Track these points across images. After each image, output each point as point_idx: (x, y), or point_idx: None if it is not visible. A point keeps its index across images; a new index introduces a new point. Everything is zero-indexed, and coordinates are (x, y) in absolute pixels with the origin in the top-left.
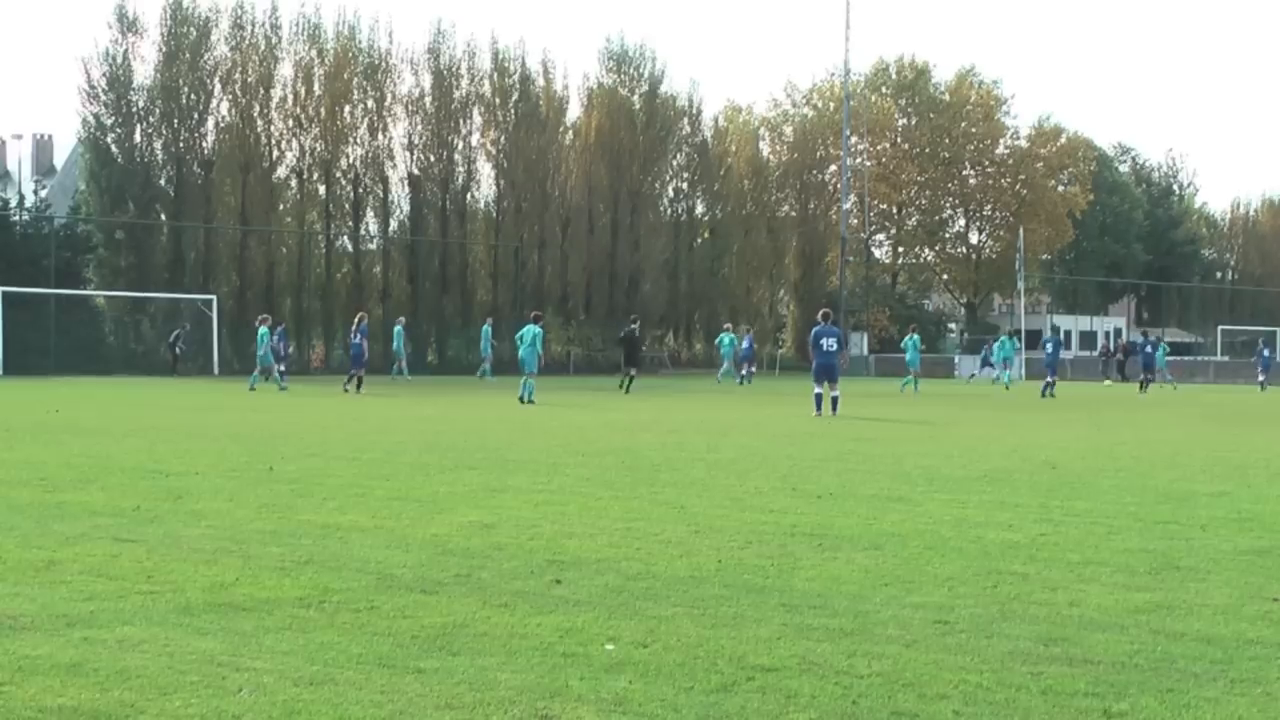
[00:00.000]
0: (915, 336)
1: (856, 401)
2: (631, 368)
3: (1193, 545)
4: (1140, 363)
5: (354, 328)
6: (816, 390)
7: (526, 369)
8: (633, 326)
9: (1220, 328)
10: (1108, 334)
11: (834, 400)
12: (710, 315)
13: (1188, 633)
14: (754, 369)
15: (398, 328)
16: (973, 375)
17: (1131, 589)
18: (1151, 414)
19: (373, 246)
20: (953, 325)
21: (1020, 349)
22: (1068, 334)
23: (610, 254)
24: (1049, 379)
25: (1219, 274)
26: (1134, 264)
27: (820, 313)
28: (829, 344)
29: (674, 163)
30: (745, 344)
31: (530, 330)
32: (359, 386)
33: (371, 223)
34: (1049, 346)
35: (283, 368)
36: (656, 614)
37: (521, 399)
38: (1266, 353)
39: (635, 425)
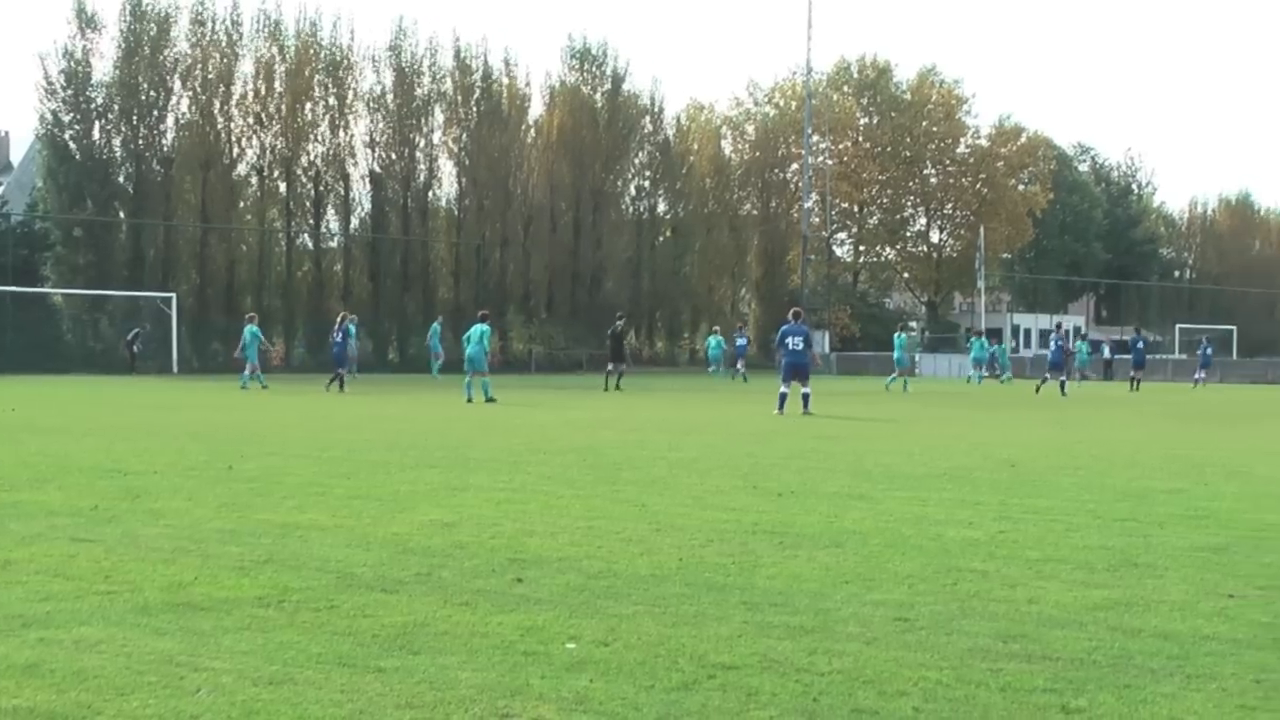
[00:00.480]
0: (903, 335)
1: (818, 400)
2: (619, 364)
3: (1150, 542)
4: (1132, 361)
5: (336, 327)
6: (782, 389)
7: (475, 367)
8: (619, 323)
9: (1179, 326)
10: (1067, 332)
11: (804, 397)
12: (672, 313)
13: (1145, 629)
14: (743, 367)
15: (350, 326)
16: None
17: (1090, 586)
18: (1111, 413)
19: (334, 244)
20: (914, 324)
21: (1000, 349)
22: (1027, 332)
23: (572, 252)
24: (1062, 378)
25: (1177, 273)
26: (1093, 263)
27: (791, 311)
28: (795, 343)
29: (636, 161)
30: (741, 341)
31: (478, 329)
32: (341, 386)
33: (332, 220)
34: (1053, 345)
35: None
36: (618, 612)
37: (469, 398)
38: (1210, 350)
39: (597, 423)
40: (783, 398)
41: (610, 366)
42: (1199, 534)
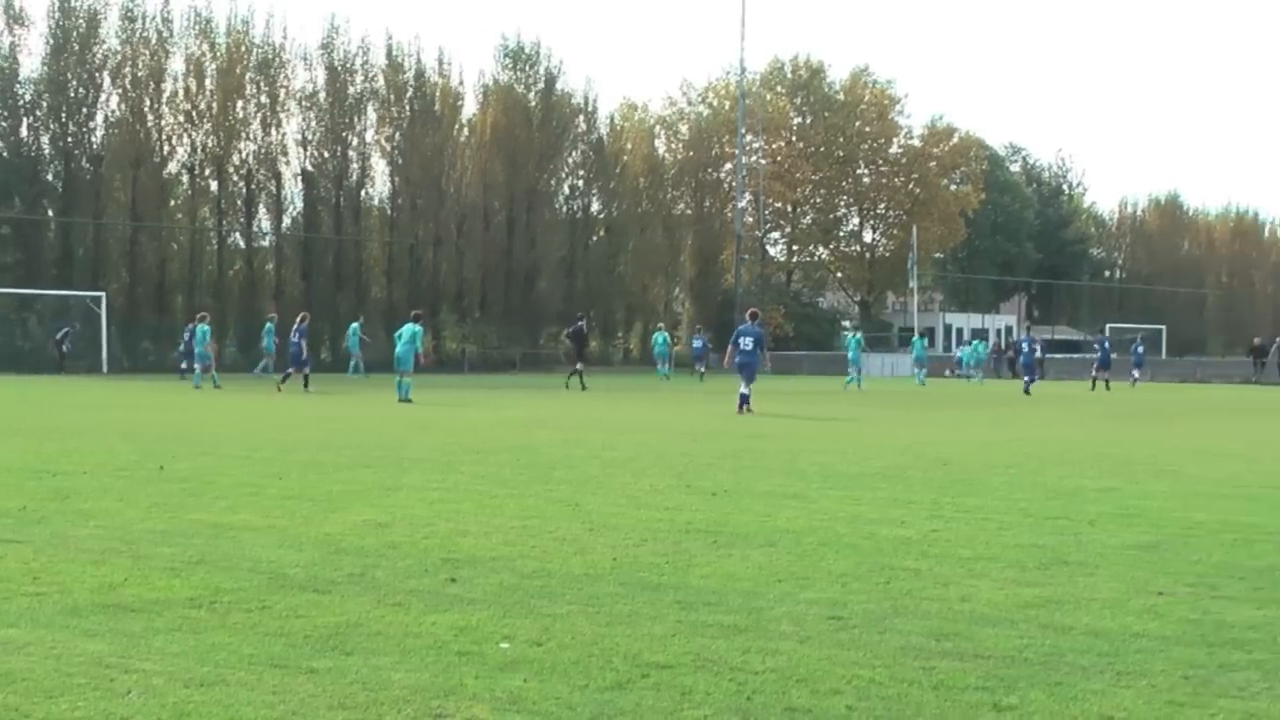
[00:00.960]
0: (859, 335)
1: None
2: (579, 363)
3: (1081, 540)
4: (1098, 361)
5: (294, 327)
6: (742, 389)
7: (402, 367)
8: (580, 323)
9: (1109, 325)
10: (999, 332)
11: (742, 397)
12: (607, 313)
13: (1076, 626)
14: (704, 367)
15: (268, 324)
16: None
17: (1021, 584)
18: (1043, 411)
19: (266, 243)
20: (847, 323)
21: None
22: (959, 331)
23: (506, 251)
24: (1028, 379)
25: (1107, 272)
26: (1025, 262)
27: (748, 312)
28: (745, 343)
29: (570, 160)
30: (698, 343)
31: (410, 329)
32: (305, 385)
33: (264, 219)
34: (1024, 347)
35: (265, 364)
36: (551, 612)
37: (401, 398)
38: (1142, 350)
39: (531, 423)
40: (743, 397)
41: (579, 365)
42: (1129, 532)
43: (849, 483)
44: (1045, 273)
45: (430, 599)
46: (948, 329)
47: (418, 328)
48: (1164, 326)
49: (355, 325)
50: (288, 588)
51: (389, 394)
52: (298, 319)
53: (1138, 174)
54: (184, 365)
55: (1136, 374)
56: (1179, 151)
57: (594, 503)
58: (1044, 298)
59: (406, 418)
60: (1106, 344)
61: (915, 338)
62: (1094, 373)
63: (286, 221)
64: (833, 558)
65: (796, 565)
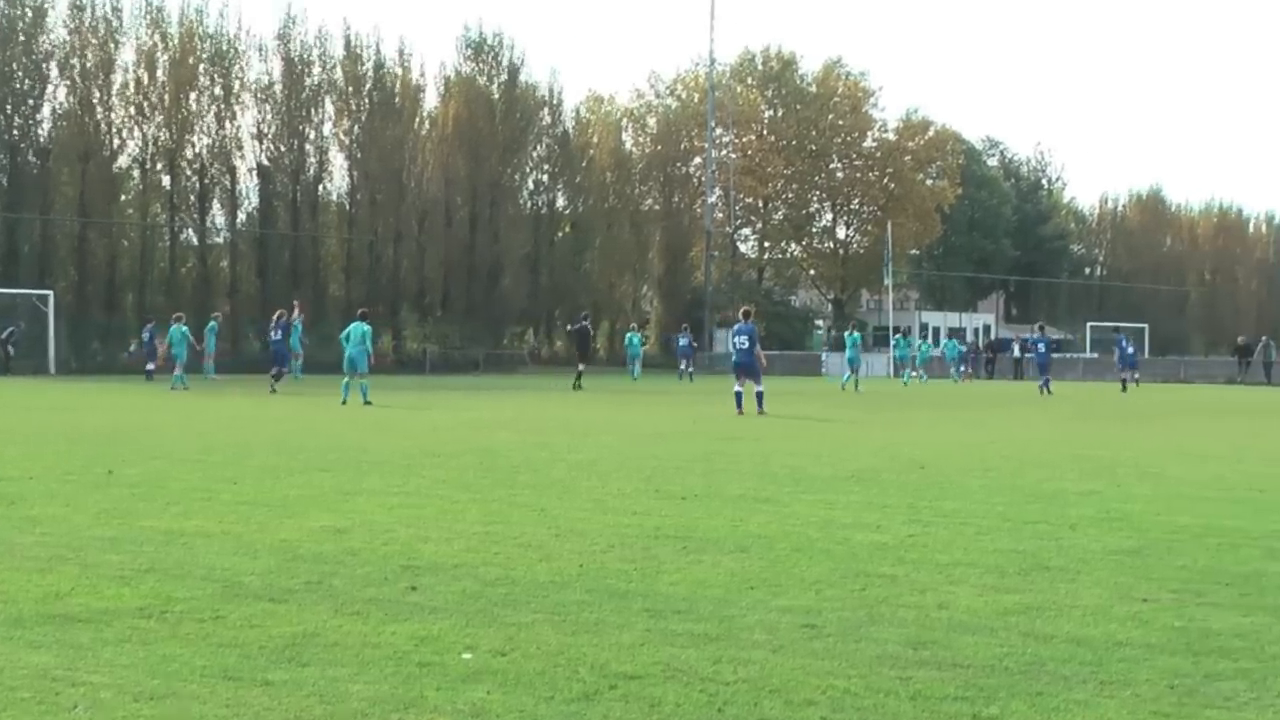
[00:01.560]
0: (857, 334)
1: (726, 399)
2: (581, 364)
3: (1062, 545)
4: (1122, 360)
5: (273, 324)
6: (736, 388)
7: (355, 369)
8: (585, 321)
9: (1089, 324)
10: (976, 330)
11: (758, 396)
12: (572, 311)
13: (1058, 635)
14: (692, 367)
15: (211, 323)
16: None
17: (1001, 591)
18: (1022, 412)
19: (220, 240)
20: (820, 322)
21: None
22: (935, 330)
23: (469, 247)
24: (1044, 378)
25: (1087, 270)
26: (1003, 259)
27: (741, 310)
28: (740, 342)
29: (534, 154)
30: (685, 341)
31: (358, 328)
32: (275, 384)
33: (219, 215)
34: (1041, 347)
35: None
36: (515, 621)
37: (345, 400)
38: (1130, 350)
39: (495, 424)
40: (738, 396)
41: (581, 366)
42: (1112, 537)
43: (823, 486)
44: (1023, 269)
45: (390, 608)
46: (924, 327)
47: (367, 326)
48: (1145, 325)
49: (296, 323)
50: (242, 597)
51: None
52: (275, 315)
53: (1119, 169)
54: (150, 366)
55: (1127, 374)
56: (1161, 146)
57: (559, 507)
58: (1022, 295)
59: (366, 420)
60: (1124, 341)
61: (900, 337)
62: (1120, 373)
63: (241, 217)
64: (806, 564)
65: (769, 572)
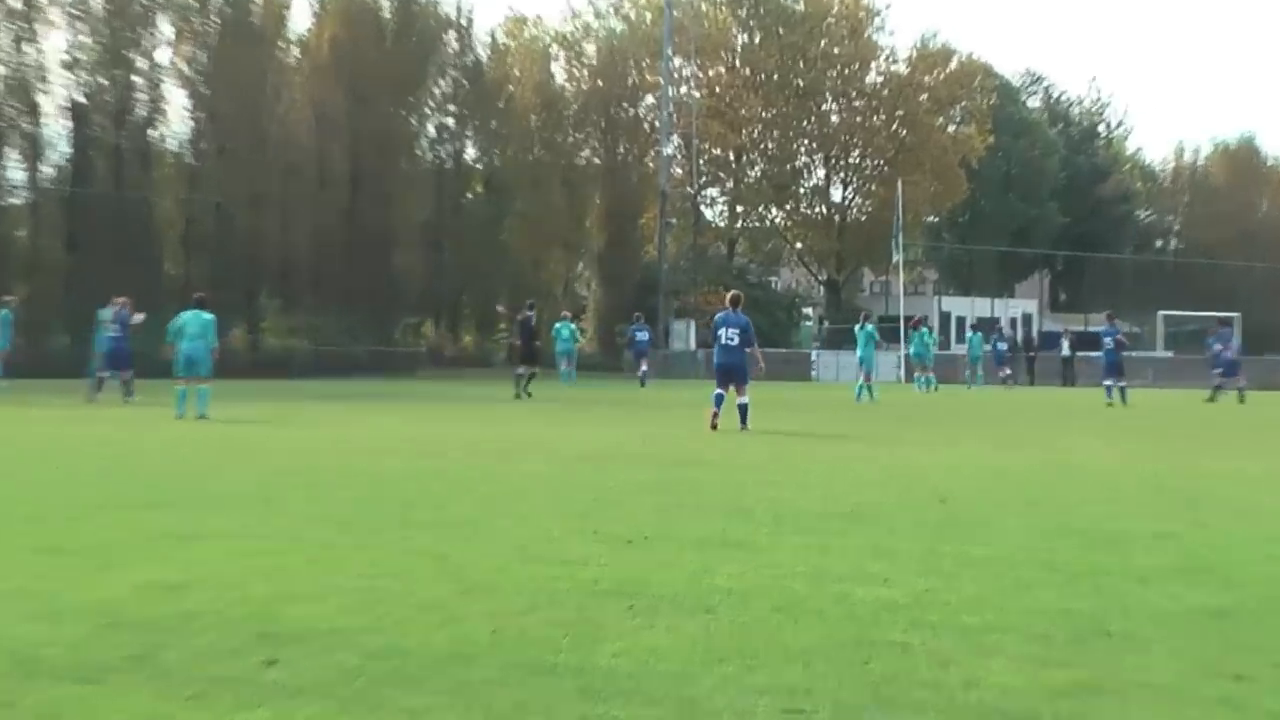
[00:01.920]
0: (870, 327)
1: (686, 410)
2: (530, 365)
3: (1128, 604)
4: (1224, 367)
5: (113, 316)
6: (716, 391)
7: (196, 371)
8: (529, 314)
9: (1161, 314)
10: (1013, 321)
11: (741, 408)
12: (486, 297)
13: None
14: (647, 367)
15: (4, 312)
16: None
17: (1047, 664)
18: (1075, 427)
19: (17, 200)
20: (809, 310)
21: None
22: (960, 320)
23: (348, 213)
24: (1120, 384)
25: (1159, 242)
26: (1047, 229)
27: (729, 295)
28: (728, 335)
29: (437, 91)
30: (644, 335)
31: (197, 318)
32: (99, 388)
33: (15, 168)
34: (1109, 341)
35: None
36: (408, 705)
37: (181, 413)
38: (1218, 347)
39: (384, 445)
40: (717, 399)
41: (521, 369)
42: (1194, 593)
43: (812, 525)
44: (1074, 242)
45: (241, 689)
46: (945, 317)
47: (209, 315)
48: (1237, 313)
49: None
50: (41, 675)
51: (165, 409)
52: (115, 305)
53: (1199, 112)
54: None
55: (1218, 381)
56: (1254, 83)
57: (466, 554)
58: (1072, 276)
59: (210, 440)
60: (1212, 341)
61: (918, 330)
62: (1216, 380)
63: (48, 171)
64: (791, 629)
65: (742, 639)
